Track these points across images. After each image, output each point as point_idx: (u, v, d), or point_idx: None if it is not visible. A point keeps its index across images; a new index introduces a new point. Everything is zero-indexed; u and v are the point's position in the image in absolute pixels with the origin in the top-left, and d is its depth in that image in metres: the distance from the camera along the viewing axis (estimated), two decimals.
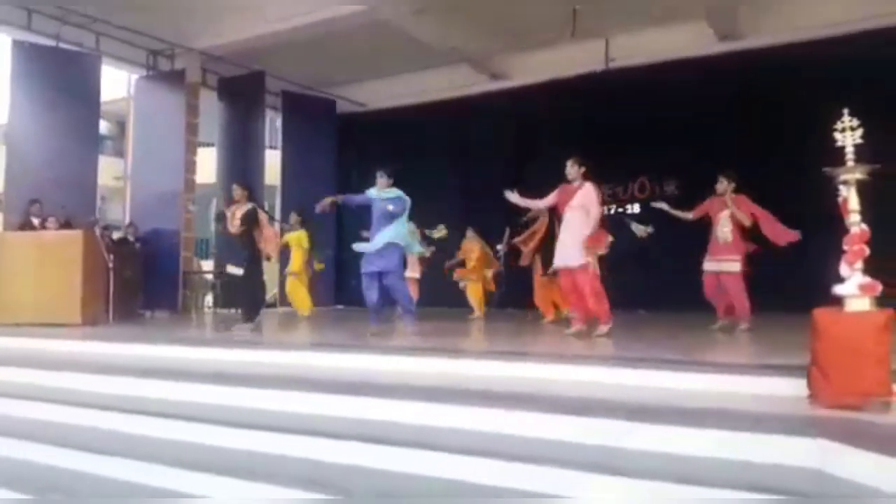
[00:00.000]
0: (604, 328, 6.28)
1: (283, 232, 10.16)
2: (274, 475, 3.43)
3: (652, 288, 9.96)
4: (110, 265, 9.06)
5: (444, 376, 4.49)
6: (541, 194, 6.85)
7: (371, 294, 6.83)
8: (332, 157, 13.92)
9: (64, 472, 4.04)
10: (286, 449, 3.70)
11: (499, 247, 9.63)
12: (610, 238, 6.49)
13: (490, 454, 3.20)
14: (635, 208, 11.64)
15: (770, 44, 10.21)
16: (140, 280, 11.02)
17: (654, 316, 9.64)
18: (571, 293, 6.54)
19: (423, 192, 12.38)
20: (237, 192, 7.84)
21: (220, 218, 7.95)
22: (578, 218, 6.32)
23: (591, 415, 3.35)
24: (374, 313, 6.97)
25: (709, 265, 7.05)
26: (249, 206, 7.70)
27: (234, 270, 7.67)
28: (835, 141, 3.50)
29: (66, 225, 9.31)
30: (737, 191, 7.05)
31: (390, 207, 6.72)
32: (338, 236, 12.76)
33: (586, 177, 6.45)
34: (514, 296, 10.00)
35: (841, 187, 3.41)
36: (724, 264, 6.91)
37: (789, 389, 3.54)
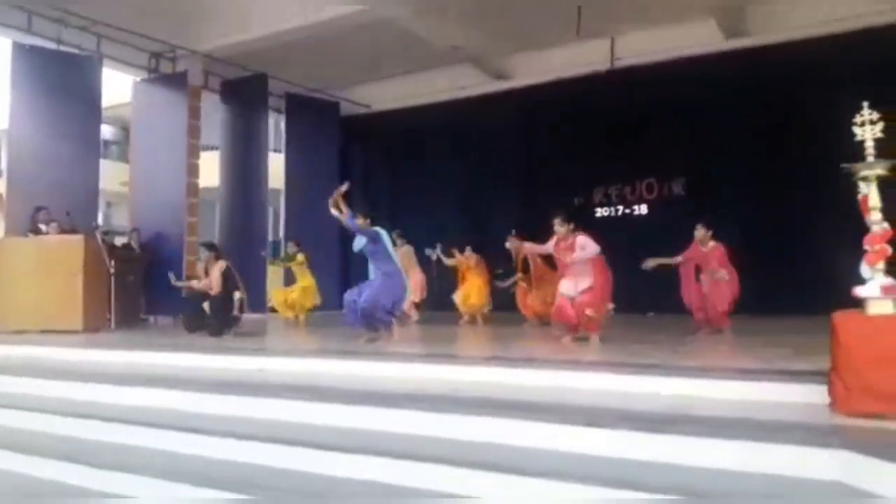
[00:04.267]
0: (595, 337, 6.20)
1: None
2: (270, 487, 3.32)
3: (659, 290, 9.77)
4: (111, 271, 8.97)
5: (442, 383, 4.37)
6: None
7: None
8: (336, 159, 13.76)
9: (63, 486, 3.93)
10: (285, 461, 3.58)
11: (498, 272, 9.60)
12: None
13: (495, 467, 3.07)
14: (643, 209, 11.49)
15: (777, 41, 10.03)
16: (142, 285, 10.93)
17: (661, 319, 9.50)
18: (564, 315, 6.40)
19: (428, 194, 12.50)
20: (204, 254, 8.43)
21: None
22: (580, 263, 6.34)
23: (601, 425, 3.22)
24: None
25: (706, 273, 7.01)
26: (222, 265, 8.16)
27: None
28: (846, 138, 3.37)
29: (71, 231, 9.19)
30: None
31: (368, 247, 6.78)
32: (342, 240, 12.68)
33: (575, 231, 6.47)
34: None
35: (861, 184, 3.27)
36: (714, 273, 6.92)
37: (810, 397, 3.39)
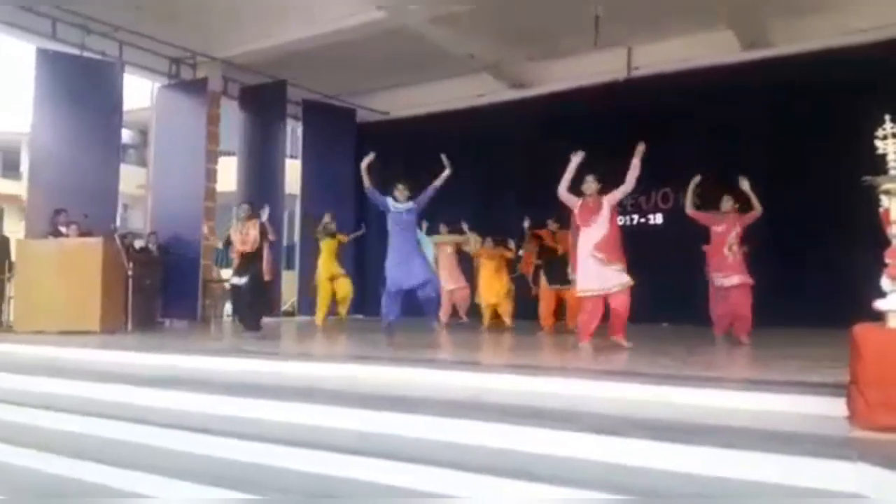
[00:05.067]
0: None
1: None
2: (283, 488, 3.34)
3: (674, 300, 9.72)
4: (129, 273, 9.06)
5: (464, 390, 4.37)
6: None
7: (395, 308, 6.94)
8: (353, 165, 13.68)
9: (76, 483, 3.99)
10: (296, 462, 3.60)
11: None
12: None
13: (510, 473, 3.08)
14: (658, 219, 11.46)
15: (796, 52, 10.02)
16: (159, 288, 11.01)
17: (676, 329, 9.45)
18: (591, 313, 6.32)
19: (444, 201, 12.45)
20: (247, 210, 8.23)
21: (228, 243, 8.39)
22: (604, 234, 6.27)
23: (616, 434, 3.21)
24: (389, 324, 7.00)
25: (719, 280, 6.91)
26: (257, 222, 8.10)
27: (238, 281, 7.85)
28: (865, 150, 3.36)
29: (88, 233, 9.32)
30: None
31: (406, 217, 7.08)
32: (357, 243, 12.72)
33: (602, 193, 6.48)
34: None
35: (882, 197, 3.25)
36: (734, 278, 6.84)
37: (828, 409, 3.36)
